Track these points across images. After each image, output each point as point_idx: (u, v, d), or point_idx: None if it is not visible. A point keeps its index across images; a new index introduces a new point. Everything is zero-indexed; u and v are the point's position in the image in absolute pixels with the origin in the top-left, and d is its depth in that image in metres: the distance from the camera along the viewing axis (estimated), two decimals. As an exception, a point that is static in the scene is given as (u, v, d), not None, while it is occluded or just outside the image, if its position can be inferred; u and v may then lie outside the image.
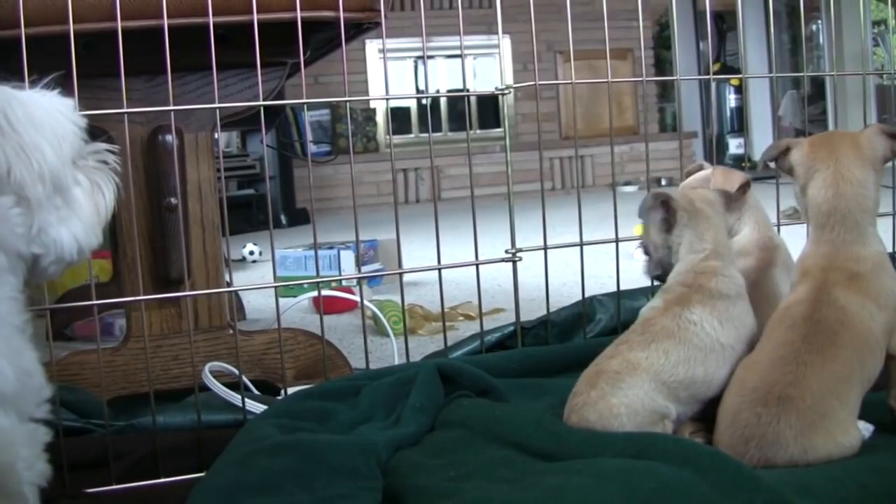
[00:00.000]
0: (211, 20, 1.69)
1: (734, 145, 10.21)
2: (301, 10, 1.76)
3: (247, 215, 7.28)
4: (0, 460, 1.02)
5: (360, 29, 1.99)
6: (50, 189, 1.16)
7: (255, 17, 1.72)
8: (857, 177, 1.41)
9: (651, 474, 1.17)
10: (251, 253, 5.13)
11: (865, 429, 1.36)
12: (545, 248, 1.97)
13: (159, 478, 1.55)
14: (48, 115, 1.16)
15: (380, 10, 1.87)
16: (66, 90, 1.26)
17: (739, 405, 1.31)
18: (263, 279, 4.44)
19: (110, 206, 1.26)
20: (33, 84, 1.22)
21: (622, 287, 2.08)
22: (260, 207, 7.63)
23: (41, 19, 1.67)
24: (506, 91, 1.98)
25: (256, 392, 1.86)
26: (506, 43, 9.84)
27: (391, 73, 9.81)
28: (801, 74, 2.41)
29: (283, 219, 7.85)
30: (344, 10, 1.80)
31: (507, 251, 1.95)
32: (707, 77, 2.48)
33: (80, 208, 1.21)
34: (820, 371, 1.29)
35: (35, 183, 1.13)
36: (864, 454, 1.29)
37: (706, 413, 1.43)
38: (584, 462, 1.27)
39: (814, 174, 1.45)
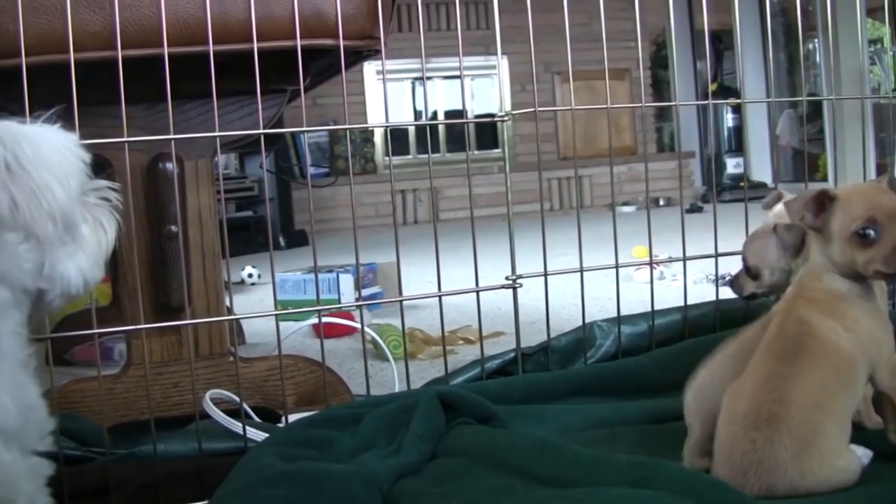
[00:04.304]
0: (211, 48, 1.69)
1: (732, 165, 10.22)
2: (301, 38, 1.76)
3: (245, 237, 7.28)
4: (1, 496, 1.02)
5: (360, 56, 1.99)
6: (61, 228, 1.16)
7: (255, 45, 1.72)
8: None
9: (654, 504, 1.17)
10: (250, 276, 5.13)
11: (864, 455, 1.36)
12: (545, 275, 1.97)
13: (160, 506, 1.55)
14: (55, 151, 1.16)
15: (380, 38, 1.87)
16: (67, 118, 1.27)
17: (734, 435, 1.32)
18: (263, 302, 4.44)
19: (111, 243, 1.27)
20: (36, 118, 1.22)
21: (622, 311, 2.09)
22: (259, 229, 7.64)
23: (41, 48, 1.67)
24: (506, 118, 1.99)
25: (257, 419, 1.85)
26: (504, 64, 9.86)
27: (390, 93, 9.80)
28: (799, 99, 2.41)
29: (282, 241, 7.85)
30: (344, 38, 1.80)
31: (507, 278, 1.95)
32: (705, 102, 2.48)
33: (85, 244, 1.22)
34: (799, 383, 1.31)
35: (45, 222, 1.13)
36: (866, 483, 1.29)
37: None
38: (586, 491, 1.27)
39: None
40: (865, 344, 1.38)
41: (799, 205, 1.43)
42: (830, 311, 1.40)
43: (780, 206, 1.93)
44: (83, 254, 1.21)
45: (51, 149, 1.16)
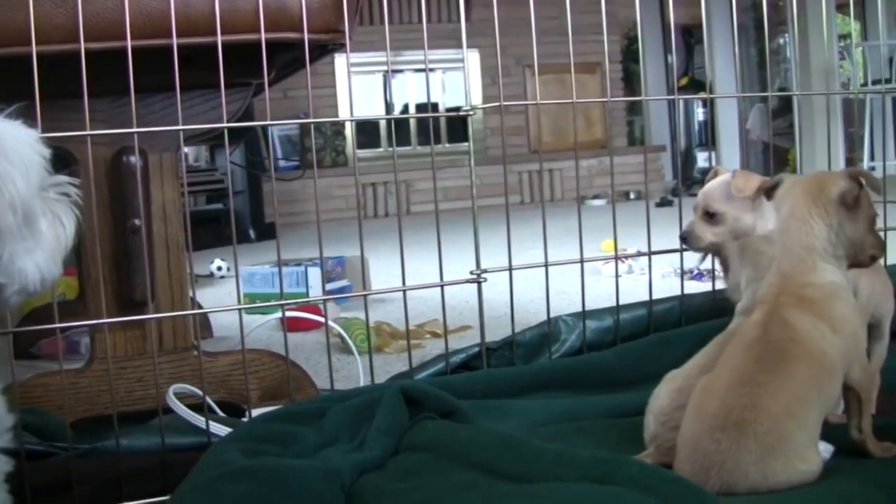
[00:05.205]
0: (175, 41, 1.69)
1: (702, 158, 10.26)
2: (265, 31, 1.76)
3: (215, 230, 7.24)
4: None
5: (326, 49, 1.99)
6: (20, 219, 1.15)
7: (219, 38, 1.71)
8: (805, 216, 1.43)
9: (615, 501, 1.17)
10: (219, 269, 5.12)
11: (826, 450, 1.37)
12: (510, 269, 1.98)
13: (123, 502, 1.55)
14: (17, 144, 1.16)
15: (344, 31, 1.87)
16: (29, 112, 1.26)
17: (699, 433, 1.32)
18: (231, 295, 4.42)
19: (70, 239, 1.26)
20: (-1, 113, 1.21)
21: (590, 305, 2.09)
22: (228, 222, 7.61)
23: (3, 40, 1.66)
24: (472, 112, 1.98)
25: (221, 414, 1.85)
26: (475, 57, 9.85)
27: (360, 86, 9.81)
28: (767, 94, 2.41)
29: (252, 233, 7.83)
30: (308, 32, 1.80)
31: (471, 272, 1.95)
32: (673, 97, 2.48)
33: (43, 239, 1.21)
34: (774, 391, 1.30)
35: (6, 212, 1.13)
36: (828, 478, 1.29)
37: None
38: (548, 487, 1.27)
39: (780, 208, 1.48)
40: (848, 343, 1.38)
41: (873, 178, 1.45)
42: (820, 312, 1.38)
43: (716, 180, 1.93)
44: (41, 250, 1.20)
45: (11, 141, 1.16)
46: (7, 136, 1.15)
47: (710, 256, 1.95)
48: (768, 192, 1.55)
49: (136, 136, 1.73)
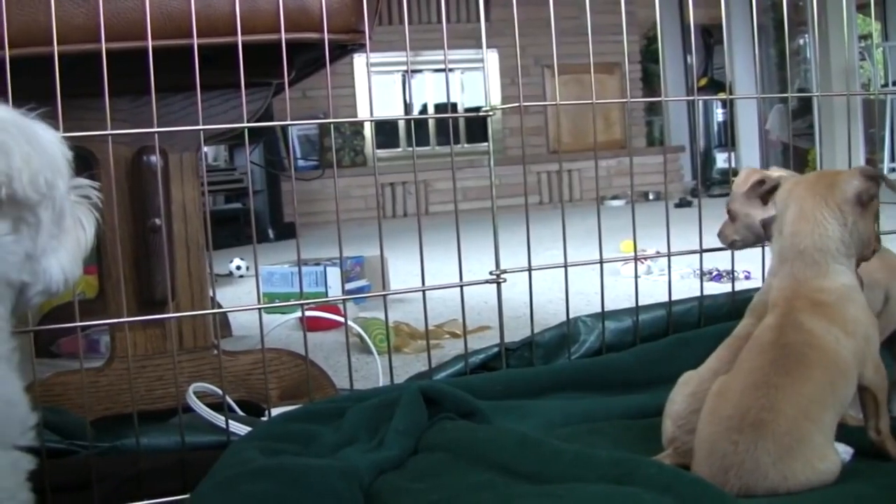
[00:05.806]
0: (195, 42, 1.69)
1: (722, 159, 10.23)
2: (285, 31, 1.76)
3: (234, 229, 7.26)
4: (-21, 492, 1.02)
5: (346, 49, 1.99)
6: (56, 216, 1.16)
7: (240, 38, 1.72)
8: (818, 217, 1.42)
9: (633, 502, 1.17)
10: (238, 268, 5.14)
11: (845, 452, 1.36)
12: (529, 270, 1.97)
13: (143, 500, 1.55)
14: (50, 143, 1.17)
15: (364, 32, 1.87)
16: (50, 109, 1.26)
17: (715, 435, 1.31)
18: (251, 294, 4.43)
19: (90, 241, 1.27)
20: (23, 113, 1.22)
21: (609, 306, 2.08)
22: (248, 221, 7.62)
23: (25, 40, 1.66)
24: (491, 113, 1.98)
25: (241, 413, 1.85)
26: (493, 57, 9.84)
27: (379, 86, 9.80)
28: (787, 95, 2.40)
29: (271, 233, 7.84)
30: (329, 32, 1.80)
31: (491, 272, 1.95)
32: (693, 98, 2.49)
33: (67, 240, 1.22)
34: (791, 394, 1.30)
35: (48, 208, 1.14)
36: (846, 481, 1.29)
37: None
38: (566, 487, 1.27)
39: (785, 211, 1.46)
40: (860, 345, 1.37)
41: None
42: (833, 316, 1.37)
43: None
44: (64, 250, 1.21)
45: (45, 139, 1.17)
46: (41, 136, 1.16)
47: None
48: (765, 195, 1.55)
49: (156, 135, 1.73)
